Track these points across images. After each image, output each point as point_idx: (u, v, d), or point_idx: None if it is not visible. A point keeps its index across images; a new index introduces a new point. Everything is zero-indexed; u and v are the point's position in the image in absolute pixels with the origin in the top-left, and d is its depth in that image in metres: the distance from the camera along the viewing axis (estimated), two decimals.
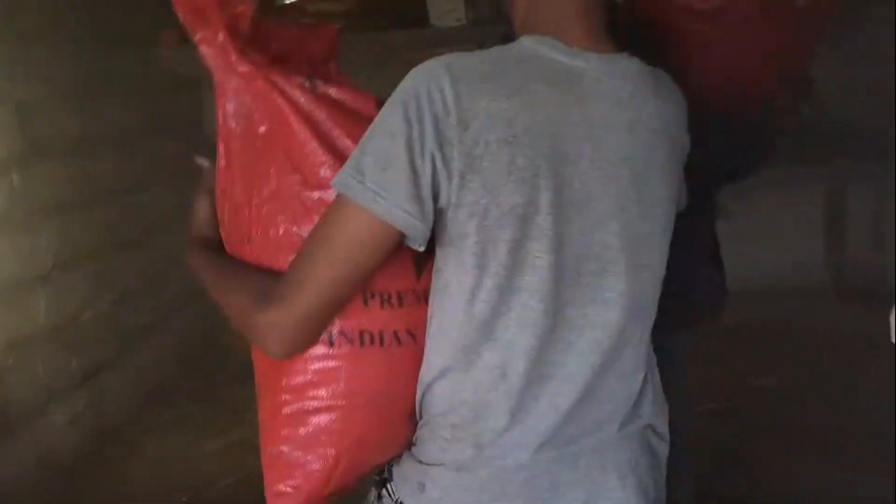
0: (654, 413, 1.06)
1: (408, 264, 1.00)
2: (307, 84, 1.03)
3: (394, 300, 1.00)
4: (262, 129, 1.02)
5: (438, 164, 0.89)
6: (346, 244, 0.92)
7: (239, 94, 1.03)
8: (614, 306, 0.97)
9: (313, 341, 0.97)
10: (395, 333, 1.00)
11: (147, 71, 3.69)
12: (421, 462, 1.01)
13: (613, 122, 0.96)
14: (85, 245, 3.14)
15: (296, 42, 1.14)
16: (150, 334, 3.60)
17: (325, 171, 0.98)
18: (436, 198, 0.91)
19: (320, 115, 1.01)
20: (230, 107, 1.04)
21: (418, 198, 0.89)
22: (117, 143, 3.42)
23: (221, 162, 1.07)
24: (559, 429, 0.97)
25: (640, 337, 1.02)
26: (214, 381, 3.68)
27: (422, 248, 0.93)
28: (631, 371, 1.02)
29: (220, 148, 1.07)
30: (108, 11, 3.40)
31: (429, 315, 0.98)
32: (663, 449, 1.08)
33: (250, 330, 0.97)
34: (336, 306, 0.95)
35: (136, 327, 3.48)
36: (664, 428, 1.08)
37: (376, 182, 0.89)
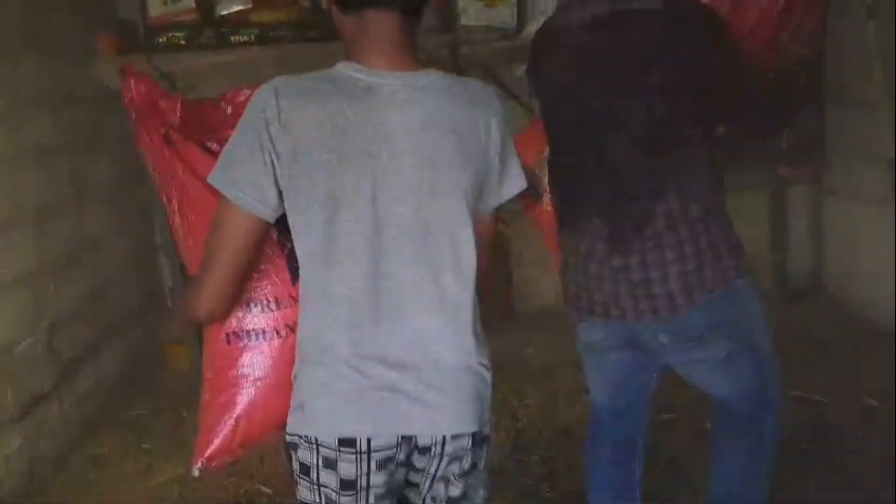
0: (480, 353, 1.35)
1: (284, 276, 1.38)
2: (216, 146, 1.45)
3: (272, 305, 1.38)
4: (180, 195, 1.44)
5: (274, 158, 1.23)
6: (224, 227, 1.27)
7: (166, 169, 1.45)
8: (414, 263, 1.27)
9: (230, 302, 1.35)
10: (276, 329, 1.39)
11: (79, 83, 3.55)
12: (299, 388, 1.31)
13: (404, 124, 1.25)
14: (17, 268, 2.98)
15: (236, 108, 1.48)
16: (89, 360, 3.43)
17: None
18: (277, 184, 1.24)
19: None
20: (162, 179, 1.46)
21: (258, 185, 1.24)
22: (46, 158, 3.25)
23: (168, 212, 1.48)
24: (390, 358, 1.26)
25: (450, 290, 1.30)
26: (161, 406, 3.54)
27: (271, 221, 1.28)
28: (444, 315, 1.30)
29: (165, 203, 1.48)
30: (35, 20, 3.25)
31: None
32: (488, 377, 1.37)
33: (191, 310, 1.35)
34: (236, 272, 1.30)
35: (75, 353, 3.32)
36: (487, 362, 1.37)
37: (229, 175, 1.25)
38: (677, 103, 1.67)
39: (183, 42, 3.57)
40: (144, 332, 3.94)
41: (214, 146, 1.44)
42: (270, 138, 1.22)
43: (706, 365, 1.87)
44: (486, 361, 1.36)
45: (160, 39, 3.56)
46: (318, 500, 1.31)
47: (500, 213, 1.48)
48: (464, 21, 3.59)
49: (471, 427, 1.32)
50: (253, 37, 3.56)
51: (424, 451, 1.30)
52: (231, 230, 1.27)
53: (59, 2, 3.45)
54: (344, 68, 1.28)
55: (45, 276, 3.14)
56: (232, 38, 3.56)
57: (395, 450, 1.28)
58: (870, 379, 3.14)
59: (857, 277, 3.93)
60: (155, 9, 3.58)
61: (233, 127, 1.32)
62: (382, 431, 1.26)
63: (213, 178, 1.27)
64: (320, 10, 3.67)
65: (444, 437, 1.29)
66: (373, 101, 1.25)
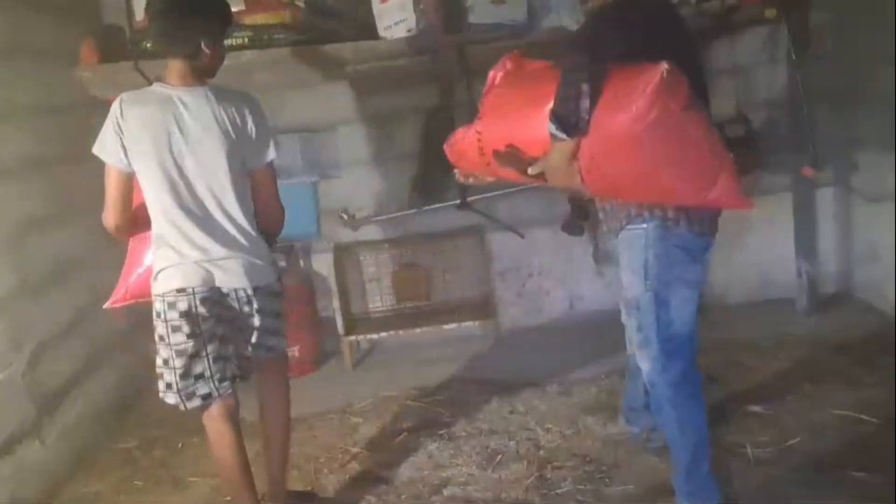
0: (251, 243, 2.31)
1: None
2: None
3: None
4: None
5: (122, 137, 2.19)
6: (108, 178, 2.24)
7: None
8: (211, 195, 2.24)
9: (127, 219, 2.28)
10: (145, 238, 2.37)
11: (62, 92, 3.32)
12: (154, 268, 2.28)
13: (190, 120, 2.22)
14: None
15: None
16: (75, 390, 3.20)
17: None
18: (126, 151, 2.20)
19: None
20: None
21: (116, 153, 2.20)
22: (27, 171, 3.04)
23: None
24: (204, 248, 2.24)
25: (231, 209, 2.27)
26: (154, 437, 3.32)
27: (129, 171, 2.22)
28: (231, 223, 2.27)
29: None
30: (15, 28, 3.02)
31: None
32: (258, 258, 2.34)
33: (106, 223, 2.30)
34: (120, 201, 2.24)
35: (59, 383, 3.09)
36: (255, 248, 2.33)
37: (104, 148, 2.22)
38: None
39: None
40: (135, 357, 3.70)
41: None
42: (119, 127, 2.18)
43: None
44: (254, 248, 2.31)
45: (148, 44, 3.32)
46: (166, 330, 2.26)
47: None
48: (472, 19, 3.36)
49: (244, 284, 2.30)
50: (246, 40, 3.34)
51: (225, 295, 2.30)
52: (111, 180, 2.23)
53: (41, 8, 3.24)
54: (156, 86, 2.26)
55: (25, 299, 2.92)
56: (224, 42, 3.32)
57: (209, 293, 2.25)
58: None
59: (888, 282, 3.71)
60: (142, 12, 3.34)
61: None
62: (200, 283, 2.24)
63: (95, 150, 2.22)
64: (315, 12, 3.46)
65: (234, 289, 2.30)
66: (172, 107, 2.21)
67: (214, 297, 2.26)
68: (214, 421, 2.33)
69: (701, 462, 2.33)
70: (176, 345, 2.24)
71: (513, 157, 2.22)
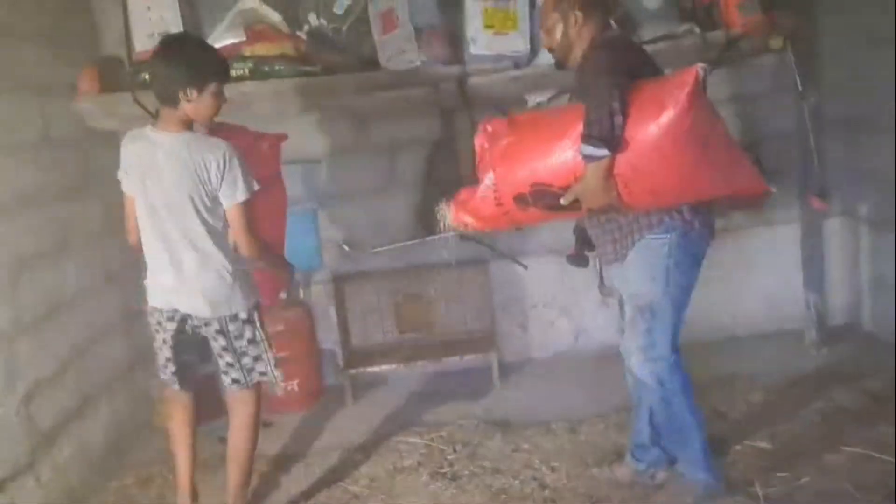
0: (219, 279, 2.57)
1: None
2: None
3: None
4: None
5: (126, 170, 2.62)
6: (126, 200, 2.65)
7: None
8: (179, 230, 2.53)
9: (138, 237, 2.64)
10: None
11: (61, 123, 3.29)
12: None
13: (164, 162, 2.50)
14: None
15: (246, 147, 2.71)
16: (71, 427, 3.13)
17: None
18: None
19: None
20: None
21: (127, 181, 2.61)
22: (23, 205, 3.00)
23: None
24: (171, 276, 2.57)
25: (200, 244, 2.54)
26: (151, 473, 3.25)
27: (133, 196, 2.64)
28: (197, 257, 2.55)
29: None
30: (12, 58, 3.01)
31: None
32: (228, 275, 2.59)
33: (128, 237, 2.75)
34: (133, 221, 2.64)
35: (55, 420, 3.03)
36: (221, 286, 2.59)
37: (120, 175, 2.63)
38: None
39: None
40: (133, 392, 3.64)
41: None
42: (122, 159, 2.57)
43: None
44: (218, 280, 2.57)
45: (147, 75, 3.30)
46: (153, 331, 2.68)
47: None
48: (473, 50, 3.34)
49: (204, 314, 2.59)
50: (247, 71, 3.31)
51: (186, 318, 2.61)
52: (126, 203, 2.63)
53: (39, 38, 3.22)
54: (148, 129, 2.55)
55: (20, 335, 2.87)
56: None
57: (173, 313, 2.60)
58: None
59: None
60: (141, 43, 3.33)
61: None
62: (166, 305, 2.60)
63: (119, 175, 2.61)
64: (317, 43, 3.44)
65: (192, 315, 2.59)
66: (153, 148, 2.51)
67: (177, 318, 2.61)
68: (172, 403, 2.78)
69: (707, 447, 2.57)
70: (157, 343, 2.70)
71: (543, 193, 2.26)
